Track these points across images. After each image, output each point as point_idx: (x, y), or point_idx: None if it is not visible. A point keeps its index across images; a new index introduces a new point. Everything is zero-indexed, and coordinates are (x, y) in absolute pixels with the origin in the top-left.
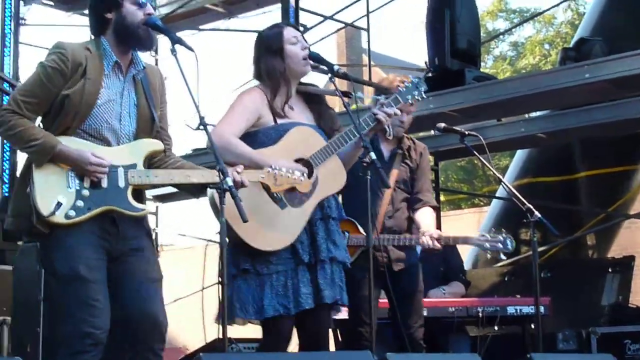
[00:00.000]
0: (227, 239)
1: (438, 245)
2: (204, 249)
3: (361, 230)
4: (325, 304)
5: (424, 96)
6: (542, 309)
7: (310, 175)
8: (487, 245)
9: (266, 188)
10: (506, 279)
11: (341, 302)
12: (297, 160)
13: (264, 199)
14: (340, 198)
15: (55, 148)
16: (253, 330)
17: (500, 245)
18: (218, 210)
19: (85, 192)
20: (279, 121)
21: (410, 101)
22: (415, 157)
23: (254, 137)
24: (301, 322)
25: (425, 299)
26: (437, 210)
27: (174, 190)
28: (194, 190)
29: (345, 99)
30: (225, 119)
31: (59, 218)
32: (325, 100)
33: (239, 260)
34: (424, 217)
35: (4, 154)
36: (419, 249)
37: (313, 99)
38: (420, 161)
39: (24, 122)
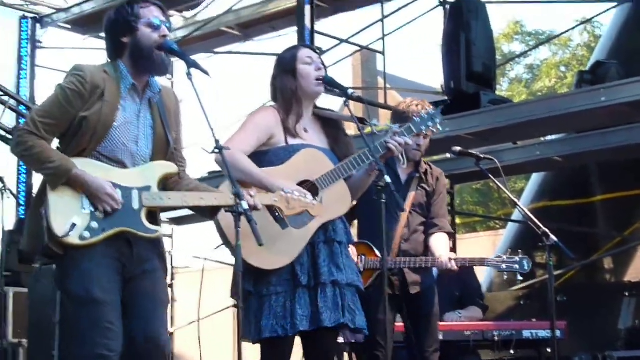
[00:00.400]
0: (241, 264)
1: (455, 267)
2: (214, 272)
3: (377, 253)
4: (329, 328)
5: (439, 128)
6: (558, 332)
7: (314, 197)
8: (503, 267)
9: (276, 210)
10: (522, 302)
11: (354, 325)
12: (303, 182)
13: (267, 219)
14: (356, 221)
15: (70, 172)
16: None
17: (517, 267)
18: (224, 234)
19: (100, 214)
20: (290, 142)
21: (424, 132)
22: (432, 181)
23: (264, 156)
24: (306, 345)
25: (441, 323)
26: (452, 235)
27: (190, 212)
28: (208, 213)
29: (361, 125)
30: (236, 135)
31: (73, 239)
32: (343, 126)
33: (243, 282)
34: (438, 242)
35: (20, 177)
36: (435, 272)
37: (330, 124)
38: (437, 186)
39: (41, 143)
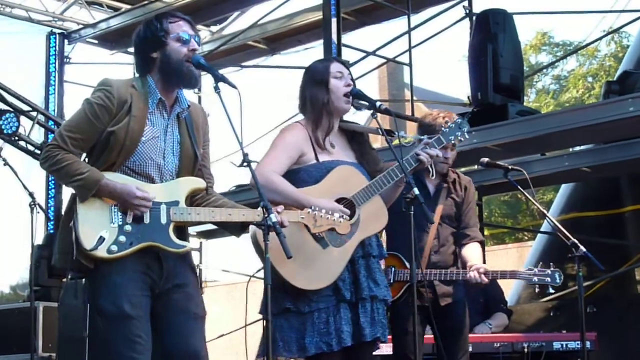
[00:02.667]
0: (270, 276)
1: (485, 280)
2: (246, 285)
3: (407, 264)
4: (366, 342)
5: (467, 137)
6: (588, 344)
7: (352, 214)
8: (535, 280)
9: (317, 235)
10: (552, 314)
11: (384, 339)
12: (340, 200)
13: (306, 238)
14: (383, 234)
15: (100, 182)
16: None
17: (549, 279)
18: (260, 248)
19: (128, 228)
20: (321, 159)
21: (453, 142)
22: (460, 191)
23: (297, 175)
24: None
25: (471, 334)
26: (482, 244)
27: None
28: (234, 230)
29: (389, 137)
30: (267, 156)
31: (101, 252)
32: (368, 139)
33: (281, 299)
34: (472, 252)
35: (49, 192)
36: None
37: (355, 138)
38: (466, 195)
39: (69, 157)
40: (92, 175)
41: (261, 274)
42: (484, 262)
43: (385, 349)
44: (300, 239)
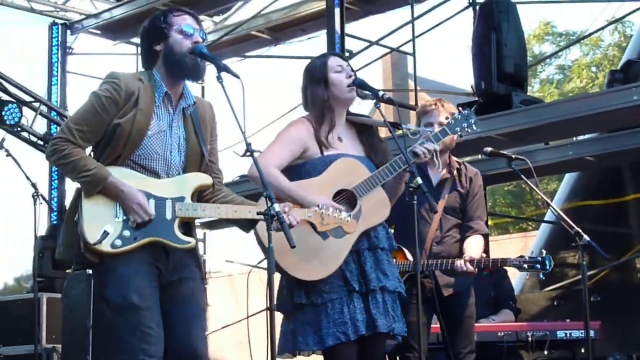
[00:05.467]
0: (274, 266)
1: (470, 268)
2: (247, 276)
3: (408, 255)
4: (381, 333)
5: (475, 128)
6: (592, 332)
7: (354, 206)
8: (525, 267)
9: (312, 225)
10: (555, 303)
11: (395, 331)
12: (341, 191)
13: (306, 230)
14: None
15: (106, 179)
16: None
17: (539, 266)
18: (263, 244)
19: (132, 223)
20: (326, 152)
21: (459, 133)
22: (465, 183)
23: (302, 168)
24: (358, 350)
25: (476, 324)
26: (486, 237)
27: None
28: (243, 225)
29: (394, 129)
30: (269, 150)
31: (105, 247)
32: (377, 132)
33: (293, 295)
34: (471, 244)
35: (52, 183)
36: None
37: (364, 131)
38: (471, 187)
39: (77, 151)
40: (98, 172)
41: (263, 264)
42: (488, 253)
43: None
44: (300, 230)
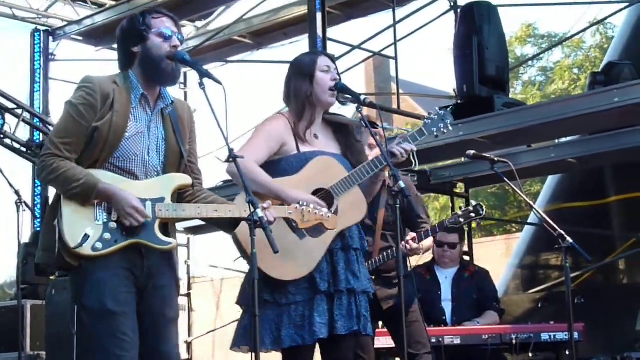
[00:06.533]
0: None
1: (414, 245)
2: (229, 281)
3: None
4: (344, 335)
5: (450, 128)
6: (576, 334)
7: (330, 205)
8: (461, 220)
9: (292, 223)
10: (539, 305)
11: (365, 333)
12: (318, 190)
13: (283, 229)
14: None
15: (96, 186)
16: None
17: (473, 215)
18: (239, 243)
19: (113, 225)
20: (302, 149)
21: (436, 134)
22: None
23: (277, 165)
24: (324, 353)
25: (459, 327)
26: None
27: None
28: (225, 226)
29: (373, 130)
30: (247, 146)
31: (86, 250)
32: (354, 131)
33: (259, 291)
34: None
35: (35, 189)
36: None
37: (341, 130)
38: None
39: (65, 164)
40: (87, 181)
41: (239, 266)
42: (471, 254)
43: (386, 341)
44: (277, 229)
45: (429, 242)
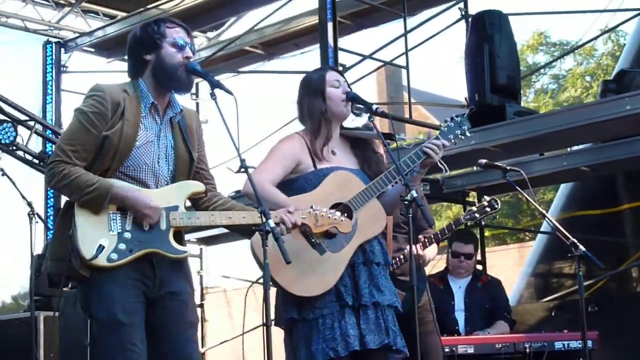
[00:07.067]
0: (270, 282)
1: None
2: (245, 293)
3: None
4: (375, 350)
5: (468, 134)
6: (590, 343)
7: (350, 219)
8: (477, 216)
9: (306, 233)
10: (553, 313)
11: (395, 347)
12: (336, 205)
13: (303, 245)
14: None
15: (111, 190)
16: None
17: (488, 209)
18: (257, 256)
19: (127, 235)
20: (319, 166)
21: (453, 140)
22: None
23: (295, 183)
24: None
25: (472, 336)
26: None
27: (218, 232)
28: (244, 233)
29: (387, 141)
30: (262, 165)
31: (101, 261)
32: (371, 144)
33: (287, 311)
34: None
35: (48, 201)
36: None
37: (357, 144)
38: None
39: (76, 169)
40: (101, 184)
41: (235, 273)
42: (484, 263)
43: None
44: (296, 245)
45: (432, 253)
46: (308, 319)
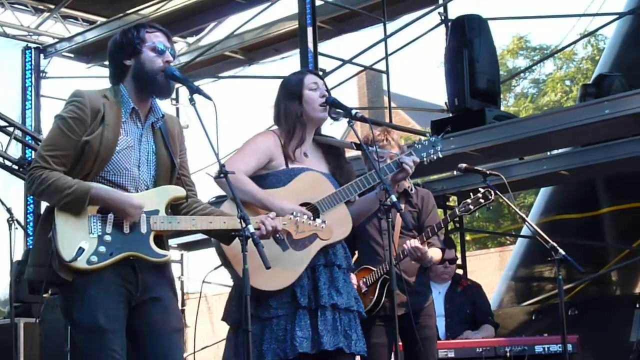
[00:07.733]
0: (249, 288)
1: (414, 244)
2: (223, 297)
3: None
4: (329, 352)
5: (440, 155)
6: (570, 346)
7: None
8: (471, 208)
9: (276, 235)
10: (533, 317)
11: (349, 350)
12: (304, 204)
13: (267, 240)
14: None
15: (89, 191)
16: None
17: (482, 201)
18: (223, 256)
19: (108, 238)
20: (291, 165)
21: (425, 159)
22: (416, 201)
23: (265, 179)
24: None
25: (453, 340)
26: (442, 251)
27: (199, 238)
28: (224, 238)
29: (362, 149)
30: (236, 156)
31: (81, 264)
32: (344, 153)
33: (239, 306)
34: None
35: (28, 207)
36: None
37: (331, 151)
38: (424, 205)
39: (54, 174)
40: (80, 186)
41: (216, 278)
42: (465, 267)
43: None
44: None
45: (437, 254)
46: (262, 317)
